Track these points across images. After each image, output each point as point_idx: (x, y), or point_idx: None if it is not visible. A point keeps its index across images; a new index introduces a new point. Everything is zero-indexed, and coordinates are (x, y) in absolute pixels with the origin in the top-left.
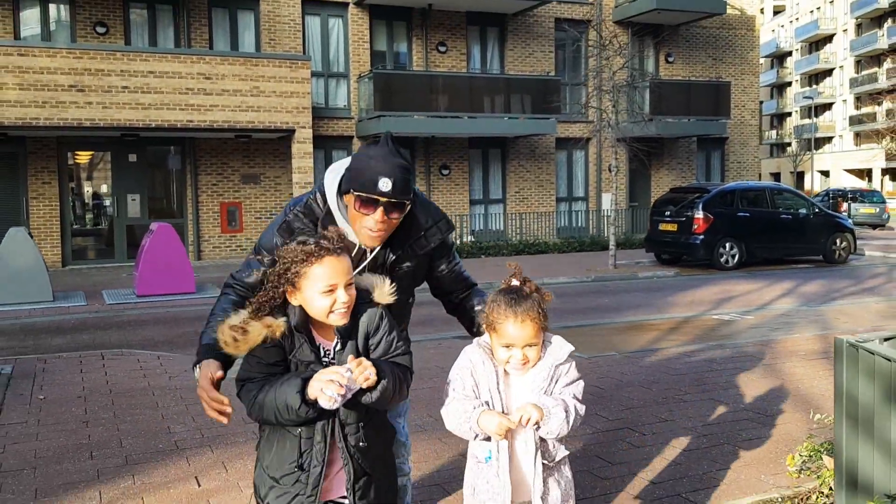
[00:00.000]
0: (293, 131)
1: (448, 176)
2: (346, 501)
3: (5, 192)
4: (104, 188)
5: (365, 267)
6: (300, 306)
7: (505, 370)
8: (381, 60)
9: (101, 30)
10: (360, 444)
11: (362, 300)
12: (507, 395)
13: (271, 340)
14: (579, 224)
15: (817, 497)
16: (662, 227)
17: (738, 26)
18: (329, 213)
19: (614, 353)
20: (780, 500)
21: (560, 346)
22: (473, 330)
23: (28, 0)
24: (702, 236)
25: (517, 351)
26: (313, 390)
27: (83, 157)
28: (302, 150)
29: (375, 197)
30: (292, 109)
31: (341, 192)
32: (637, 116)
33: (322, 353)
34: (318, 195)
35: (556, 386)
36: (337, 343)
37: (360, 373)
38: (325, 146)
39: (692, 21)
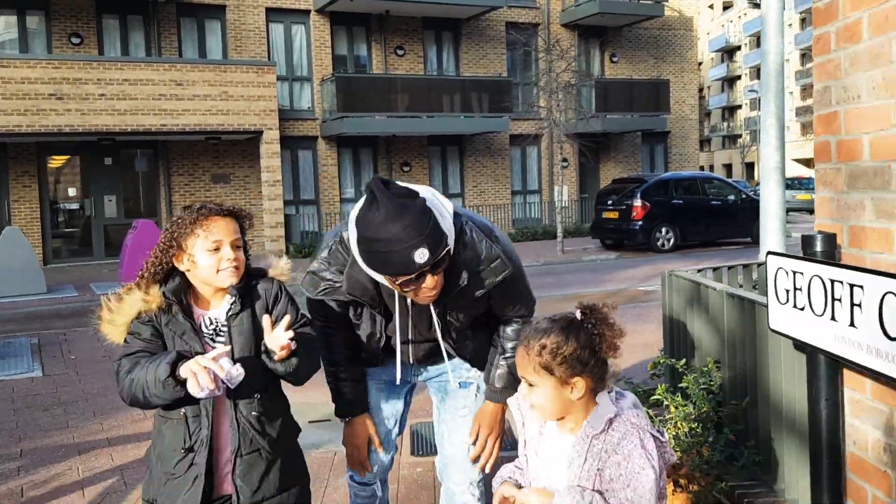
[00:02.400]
0: (261, 133)
1: (409, 172)
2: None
3: None
4: (81, 190)
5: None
6: (180, 277)
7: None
8: (343, 64)
9: (75, 40)
10: (253, 413)
11: (258, 274)
12: (542, 458)
13: (146, 314)
14: (534, 215)
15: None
16: (605, 214)
17: (678, 27)
18: (354, 262)
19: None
20: (641, 392)
21: (600, 411)
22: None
23: (4, 9)
24: (640, 222)
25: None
26: (185, 370)
27: (61, 161)
28: (270, 151)
29: (416, 274)
30: (259, 112)
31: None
32: (581, 114)
33: (207, 323)
34: (341, 243)
35: (600, 479)
36: (230, 308)
37: (277, 341)
38: (292, 146)
39: (634, 23)
